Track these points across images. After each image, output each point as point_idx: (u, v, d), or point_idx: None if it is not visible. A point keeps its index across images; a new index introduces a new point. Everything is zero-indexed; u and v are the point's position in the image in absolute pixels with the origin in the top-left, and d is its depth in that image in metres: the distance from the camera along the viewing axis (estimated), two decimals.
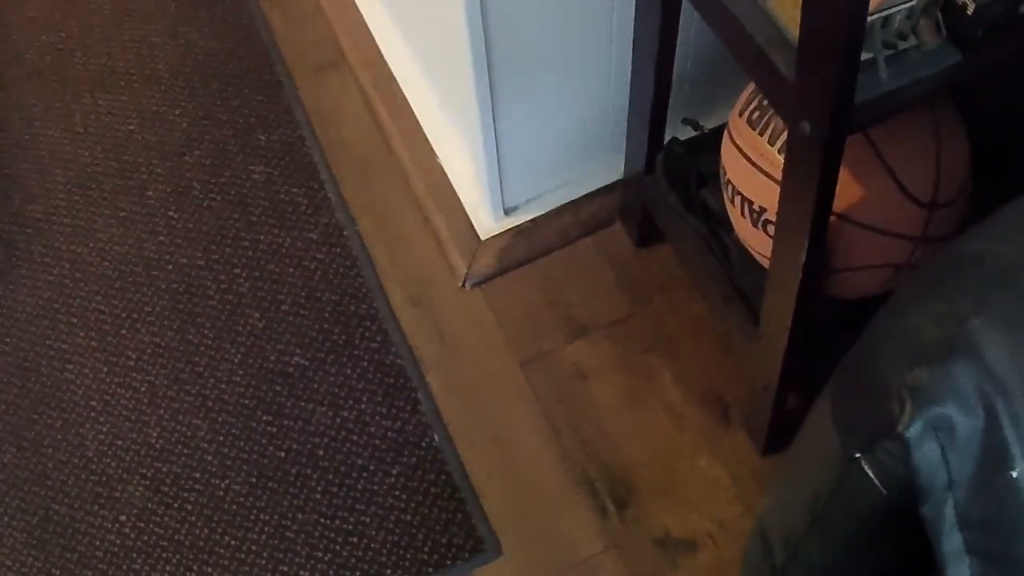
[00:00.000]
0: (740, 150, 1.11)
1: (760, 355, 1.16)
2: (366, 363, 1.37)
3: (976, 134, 1.09)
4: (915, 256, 1.09)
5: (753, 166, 1.09)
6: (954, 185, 1.07)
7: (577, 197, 1.42)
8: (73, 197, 1.54)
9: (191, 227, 1.50)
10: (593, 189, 1.41)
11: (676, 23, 1.13)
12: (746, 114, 1.10)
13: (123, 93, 1.63)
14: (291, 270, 1.45)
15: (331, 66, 1.61)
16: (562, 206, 1.41)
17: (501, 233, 1.41)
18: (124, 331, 1.42)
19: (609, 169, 1.39)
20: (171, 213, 1.51)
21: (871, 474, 0.73)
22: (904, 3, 0.87)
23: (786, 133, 1.03)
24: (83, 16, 1.70)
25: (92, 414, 1.36)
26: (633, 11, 1.15)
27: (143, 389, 1.38)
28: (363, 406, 1.34)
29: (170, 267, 1.47)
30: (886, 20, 0.87)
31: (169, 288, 1.45)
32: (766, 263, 1.12)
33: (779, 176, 1.01)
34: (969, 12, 0.89)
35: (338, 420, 1.33)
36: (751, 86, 1.12)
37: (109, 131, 1.59)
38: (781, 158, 1.04)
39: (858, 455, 0.73)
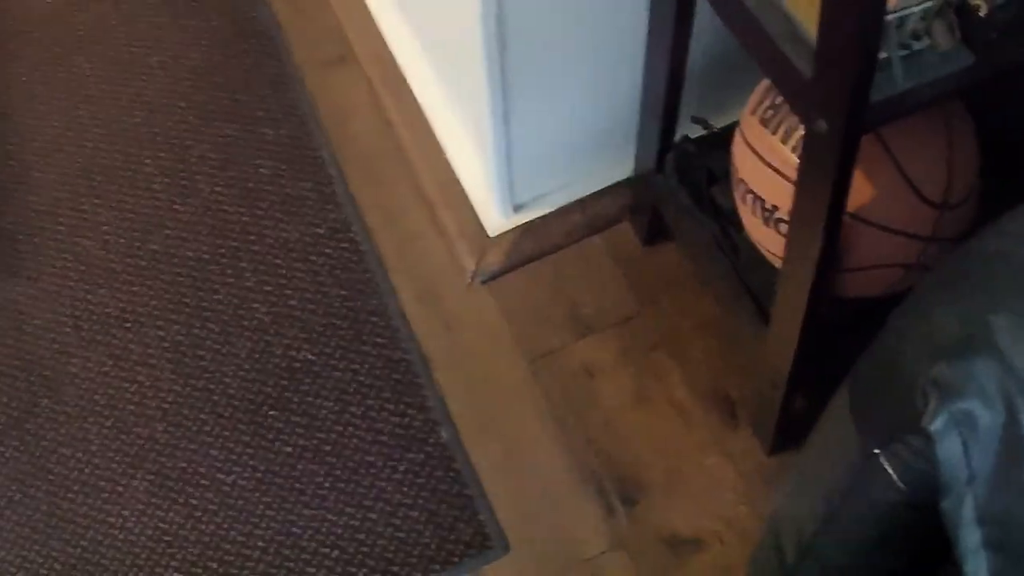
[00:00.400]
0: (752, 148, 1.11)
1: (769, 354, 1.16)
2: (373, 359, 1.36)
3: (985, 135, 1.10)
4: (924, 256, 1.09)
5: (765, 164, 1.10)
6: (965, 186, 1.08)
7: (586, 195, 1.42)
8: (78, 189, 1.53)
9: (197, 221, 1.49)
10: (602, 187, 1.41)
11: (690, 21, 1.13)
12: (758, 113, 1.11)
13: (129, 85, 1.62)
14: (298, 265, 1.44)
15: (339, 61, 1.61)
16: (571, 204, 1.41)
17: (510, 230, 1.41)
18: (129, 325, 1.42)
19: (618, 167, 1.39)
20: (177, 206, 1.51)
21: (890, 469, 0.73)
22: (919, 4, 0.87)
23: (799, 132, 1.03)
24: (90, 8, 1.70)
25: (96, 408, 1.36)
26: (646, 9, 1.15)
27: (148, 383, 1.37)
28: (370, 402, 1.33)
29: (175, 260, 1.46)
30: (901, 20, 0.88)
31: (174, 282, 1.45)
32: (776, 261, 1.12)
33: (791, 174, 1.01)
34: (982, 14, 0.89)
35: (345, 416, 1.33)
36: (763, 85, 1.12)
37: (115, 123, 1.59)
38: (793, 156, 1.04)
39: (877, 450, 0.73)
